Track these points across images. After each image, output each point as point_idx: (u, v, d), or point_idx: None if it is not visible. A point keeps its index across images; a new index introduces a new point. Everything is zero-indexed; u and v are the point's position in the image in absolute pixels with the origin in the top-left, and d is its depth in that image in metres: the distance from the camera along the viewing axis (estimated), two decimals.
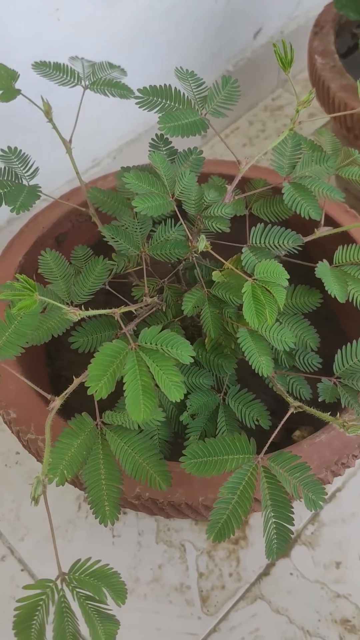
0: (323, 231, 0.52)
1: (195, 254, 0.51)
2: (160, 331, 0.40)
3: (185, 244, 0.50)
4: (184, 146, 0.55)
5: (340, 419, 0.40)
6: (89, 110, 0.61)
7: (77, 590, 0.35)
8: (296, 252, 0.51)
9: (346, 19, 0.90)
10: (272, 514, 0.39)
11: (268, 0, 1.04)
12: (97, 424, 0.44)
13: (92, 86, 0.55)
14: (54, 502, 0.72)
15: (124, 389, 0.38)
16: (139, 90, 0.50)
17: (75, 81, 0.55)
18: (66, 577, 0.35)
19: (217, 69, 1.04)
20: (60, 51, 0.75)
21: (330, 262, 0.50)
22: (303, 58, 0.90)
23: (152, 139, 0.55)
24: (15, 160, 0.53)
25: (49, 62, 0.55)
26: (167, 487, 0.43)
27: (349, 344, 0.49)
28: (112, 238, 0.52)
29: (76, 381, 0.42)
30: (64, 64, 0.55)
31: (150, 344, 0.40)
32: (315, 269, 0.48)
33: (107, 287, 0.54)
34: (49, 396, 0.43)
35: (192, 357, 0.40)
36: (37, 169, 0.53)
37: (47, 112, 0.53)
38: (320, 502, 0.40)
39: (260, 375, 0.47)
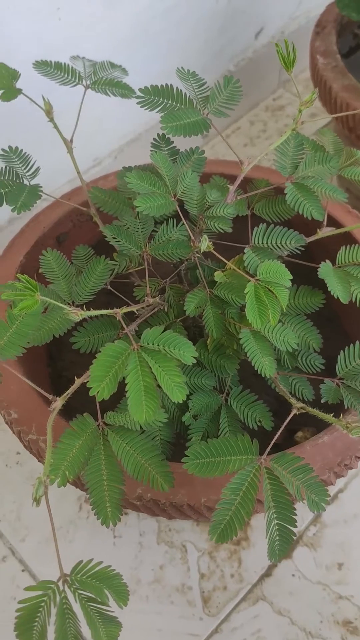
0: (326, 232, 0.51)
1: (197, 254, 0.50)
2: (163, 332, 0.40)
3: (188, 244, 0.50)
4: (184, 146, 0.55)
5: (343, 420, 0.40)
6: (90, 110, 0.61)
7: (79, 591, 0.34)
8: (298, 252, 0.51)
9: (348, 19, 0.90)
10: (275, 516, 0.39)
11: (269, 0, 1.04)
12: (98, 425, 0.44)
13: (94, 85, 0.55)
14: (55, 502, 0.72)
15: (126, 389, 0.38)
16: (140, 90, 0.50)
17: (77, 80, 0.55)
18: (68, 578, 0.35)
19: (218, 69, 1.04)
20: (61, 51, 0.75)
21: (333, 262, 0.50)
22: (304, 58, 0.90)
23: (154, 139, 0.55)
24: (16, 159, 0.53)
25: (50, 62, 0.54)
26: (169, 488, 0.43)
27: (351, 345, 0.49)
28: (114, 238, 0.51)
29: (78, 381, 0.42)
30: (65, 64, 0.55)
31: (153, 344, 0.39)
32: (318, 269, 0.48)
33: (109, 287, 0.54)
34: (50, 397, 0.43)
35: (194, 357, 0.40)
36: (38, 169, 0.53)
37: (49, 112, 0.52)
38: (323, 504, 0.40)
39: (263, 376, 0.47)
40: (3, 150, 0.52)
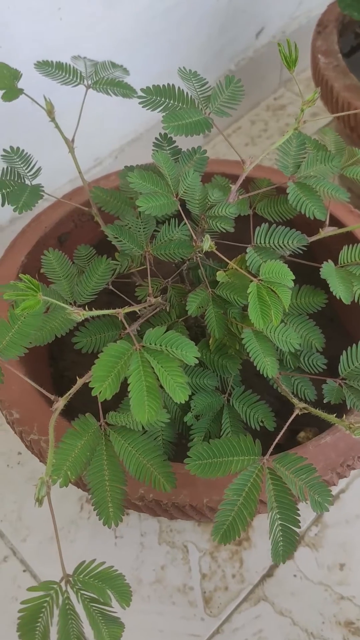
0: (328, 231, 0.51)
1: (199, 254, 0.50)
2: (165, 332, 0.40)
3: (190, 243, 0.50)
4: (185, 146, 0.55)
5: (346, 421, 0.40)
6: (91, 110, 0.61)
7: (82, 592, 0.34)
8: (300, 252, 0.51)
9: (349, 18, 0.90)
10: (278, 516, 0.39)
11: (270, 0, 1.04)
12: (100, 425, 0.44)
13: (95, 85, 0.55)
14: (56, 503, 0.72)
15: (128, 390, 0.38)
16: (142, 89, 0.50)
17: (78, 80, 0.55)
18: (70, 579, 0.35)
19: (219, 69, 1.04)
20: (62, 51, 0.75)
21: (335, 262, 0.50)
22: (304, 58, 0.90)
23: (156, 138, 0.54)
24: (17, 160, 0.53)
25: (52, 62, 0.54)
26: (171, 489, 0.42)
27: (354, 345, 0.49)
28: (116, 238, 0.51)
29: (80, 381, 0.42)
30: (66, 64, 0.55)
31: (155, 344, 0.39)
32: (320, 269, 0.48)
33: (110, 287, 0.54)
34: (52, 397, 0.43)
35: (196, 357, 0.40)
36: (39, 169, 0.53)
37: (50, 112, 0.52)
38: (327, 504, 0.40)
39: (265, 376, 0.46)
40: (5, 150, 0.52)
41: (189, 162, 0.53)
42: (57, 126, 0.53)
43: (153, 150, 0.53)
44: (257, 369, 0.46)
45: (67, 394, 0.42)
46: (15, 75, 0.53)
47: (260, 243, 0.50)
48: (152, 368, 0.38)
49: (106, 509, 0.41)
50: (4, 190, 0.50)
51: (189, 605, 0.66)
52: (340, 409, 0.48)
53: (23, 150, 0.53)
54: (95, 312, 0.41)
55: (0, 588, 0.68)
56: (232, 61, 1.05)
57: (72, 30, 0.77)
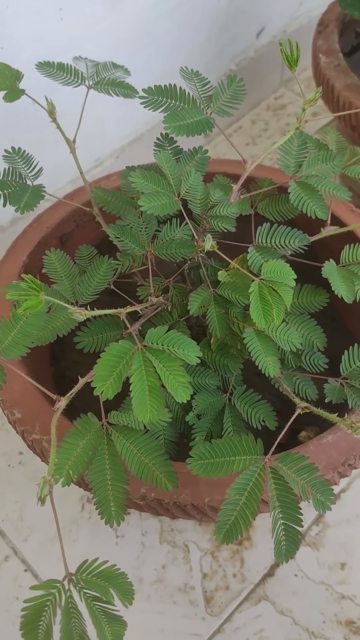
0: (329, 230, 0.51)
1: (201, 254, 0.50)
2: (167, 331, 0.40)
3: (191, 243, 0.50)
4: (186, 146, 0.55)
5: (347, 420, 0.40)
6: (92, 110, 0.61)
7: (85, 590, 0.34)
8: (302, 251, 0.51)
9: (350, 17, 0.90)
10: (281, 515, 0.39)
11: (270, 0, 1.04)
12: (102, 424, 0.44)
13: (96, 86, 0.55)
14: (58, 502, 0.72)
15: (130, 389, 0.38)
16: (143, 90, 0.50)
17: (79, 81, 0.55)
18: (73, 577, 0.35)
19: (220, 68, 1.04)
20: (63, 51, 0.75)
21: (337, 261, 0.50)
22: (305, 58, 0.90)
23: (158, 138, 0.54)
24: (19, 160, 0.53)
25: (53, 62, 0.54)
26: (173, 488, 0.42)
27: (356, 344, 0.49)
28: (117, 237, 0.51)
29: (82, 381, 0.42)
30: (67, 64, 0.55)
31: (157, 344, 0.39)
32: (322, 268, 0.48)
33: (112, 286, 0.54)
34: (54, 396, 0.43)
35: (198, 357, 0.40)
36: (41, 169, 0.53)
37: (51, 112, 0.52)
38: (329, 503, 0.40)
39: (267, 375, 0.47)
40: (6, 151, 0.52)
41: (190, 162, 0.53)
42: (58, 127, 0.53)
43: (155, 150, 0.54)
44: (259, 368, 0.46)
45: (69, 394, 0.42)
46: (17, 76, 0.53)
47: (261, 242, 0.50)
48: (154, 367, 0.38)
49: (108, 508, 0.41)
50: (5, 191, 0.50)
51: (190, 604, 0.66)
52: (341, 409, 0.48)
53: (24, 151, 0.53)
54: (97, 312, 0.41)
55: (2, 587, 0.68)
56: (232, 61, 1.05)
57: (73, 30, 0.77)
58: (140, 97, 0.50)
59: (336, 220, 0.62)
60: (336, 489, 0.72)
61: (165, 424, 0.48)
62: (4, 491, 0.74)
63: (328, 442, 0.49)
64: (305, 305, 0.54)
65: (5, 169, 0.52)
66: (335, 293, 0.48)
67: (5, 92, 0.51)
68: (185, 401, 0.38)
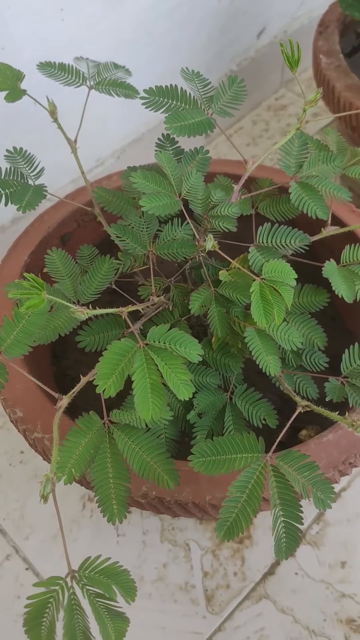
0: (330, 231, 0.52)
1: (202, 253, 0.51)
2: (169, 330, 0.40)
3: (192, 243, 0.50)
4: (187, 146, 0.56)
5: (348, 418, 0.40)
6: (93, 111, 0.61)
7: (87, 587, 0.35)
8: (302, 251, 0.51)
9: (351, 18, 0.90)
10: (281, 513, 0.39)
11: (271, 0, 1.04)
12: (104, 423, 0.44)
13: (97, 86, 0.55)
14: (59, 501, 0.72)
15: (132, 387, 0.38)
16: (145, 90, 0.50)
17: (80, 81, 0.55)
18: (76, 574, 0.35)
19: (220, 69, 1.04)
20: (64, 51, 0.75)
21: (337, 261, 0.50)
22: (306, 58, 0.90)
23: (159, 139, 0.55)
24: (20, 160, 0.53)
25: (54, 63, 0.55)
26: (174, 486, 0.43)
27: (356, 343, 0.49)
28: (119, 237, 0.52)
29: (84, 380, 0.43)
30: (69, 65, 0.55)
31: (159, 342, 0.40)
32: (322, 268, 0.48)
33: (114, 286, 0.55)
34: (56, 395, 0.43)
35: (199, 355, 0.40)
36: (42, 169, 0.53)
37: (53, 112, 0.53)
38: (329, 501, 0.40)
39: (267, 374, 0.47)
40: (8, 151, 0.53)
41: (191, 162, 0.54)
42: (59, 127, 0.53)
43: (156, 150, 0.54)
44: (260, 367, 0.46)
45: (71, 392, 0.42)
46: (18, 76, 0.53)
47: (262, 242, 0.50)
48: (156, 365, 0.39)
49: (110, 506, 0.42)
50: (7, 190, 0.51)
51: (190, 603, 0.66)
52: (342, 407, 0.48)
53: (26, 151, 0.53)
54: (99, 311, 0.41)
55: (3, 586, 0.68)
56: (233, 61, 1.06)
57: (74, 30, 0.77)
58: (142, 98, 0.50)
59: (337, 221, 0.63)
60: (337, 487, 0.72)
61: (166, 423, 0.48)
62: (5, 490, 0.74)
63: (329, 440, 0.49)
64: (306, 304, 0.54)
65: (6, 168, 0.52)
66: (336, 293, 0.48)
67: (7, 92, 0.51)
68: (187, 398, 0.38)
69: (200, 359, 0.40)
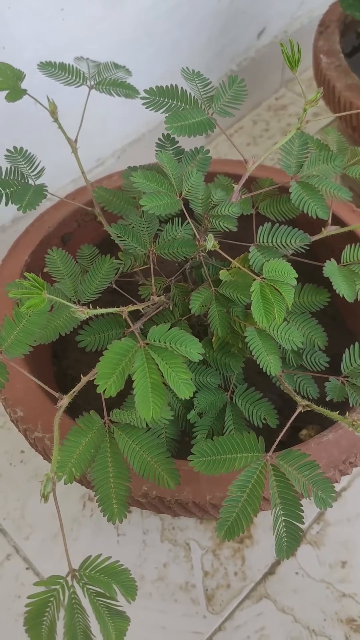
0: (330, 230, 0.52)
1: (202, 253, 0.51)
2: (169, 329, 0.40)
3: (193, 242, 0.50)
4: (187, 146, 0.56)
5: (348, 418, 0.40)
6: (93, 110, 0.61)
7: (88, 586, 0.35)
8: (303, 251, 0.51)
9: (351, 18, 0.90)
10: (282, 512, 0.39)
11: (271, 0, 1.04)
12: (105, 422, 0.44)
13: (98, 86, 0.55)
14: (59, 501, 0.72)
15: (133, 387, 0.38)
16: (145, 90, 0.50)
17: (81, 81, 0.55)
18: (76, 573, 0.35)
19: (221, 69, 1.04)
20: (64, 51, 0.75)
21: (338, 261, 0.50)
22: (306, 58, 0.90)
23: (159, 139, 0.55)
24: (21, 160, 0.53)
25: (55, 63, 0.55)
26: (175, 486, 0.43)
27: (356, 343, 0.49)
28: (119, 237, 0.52)
29: (84, 379, 0.43)
30: (69, 64, 0.55)
31: (159, 341, 0.40)
32: (323, 268, 0.48)
33: (114, 285, 0.55)
34: (57, 394, 0.43)
35: (200, 355, 0.40)
36: (43, 169, 0.53)
37: (53, 112, 0.53)
38: (330, 500, 0.40)
39: (268, 374, 0.47)
40: (8, 150, 0.53)
41: (192, 162, 0.54)
42: (60, 126, 0.53)
43: (156, 150, 0.54)
44: (260, 367, 0.47)
45: (71, 391, 0.42)
46: (19, 75, 0.53)
47: (263, 242, 0.50)
48: (157, 365, 0.39)
49: (110, 505, 0.42)
50: (7, 190, 0.51)
51: (191, 602, 0.66)
52: (342, 407, 0.48)
53: (26, 150, 0.53)
54: (100, 311, 0.41)
55: (4, 586, 0.68)
56: (233, 61, 1.06)
57: (74, 30, 0.77)
58: (142, 98, 0.50)
59: (337, 220, 0.63)
60: (337, 487, 0.72)
61: (167, 422, 0.48)
62: (5, 489, 0.74)
63: (329, 440, 0.50)
64: (306, 304, 0.54)
65: (7, 168, 0.52)
66: (337, 292, 0.48)
67: (7, 91, 0.51)
68: (187, 398, 0.38)
69: (201, 359, 0.40)
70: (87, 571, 0.35)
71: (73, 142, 0.54)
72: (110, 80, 0.56)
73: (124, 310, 0.43)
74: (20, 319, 0.43)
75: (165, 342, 0.39)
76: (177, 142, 0.55)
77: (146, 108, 0.50)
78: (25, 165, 0.53)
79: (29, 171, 0.53)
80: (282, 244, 0.50)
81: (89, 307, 0.41)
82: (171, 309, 0.53)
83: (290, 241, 0.50)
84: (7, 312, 0.52)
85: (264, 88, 1.16)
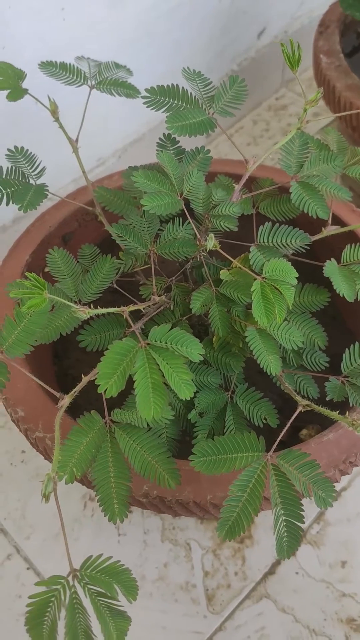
0: (330, 230, 0.52)
1: (203, 253, 0.51)
2: (170, 329, 0.40)
3: (194, 242, 0.51)
4: (187, 146, 0.56)
5: (349, 418, 0.40)
6: (94, 110, 0.61)
7: (89, 586, 0.35)
8: (303, 251, 0.51)
9: (351, 18, 0.90)
10: (282, 512, 0.39)
11: (271, 0, 1.04)
12: (106, 422, 0.44)
13: (99, 86, 0.55)
14: (60, 500, 0.72)
15: (134, 387, 0.38)
16: (146, 90, 0.50)
17: (82, 81, 0.55)
18: (77, 573, 0.35)
19: (221, 69, 1.04)
20: (65, 51, 0.75)
21: (338, 261, 0.50)
22: (306, 58, 0.90)
23: (160, 139, 0.55)
24: (22, 159, 0.53)
25: (55, 62, 0.55)
26: (175, 485, 0.43)
27: (356, 343, 0.49)
28: (120, 237, 0.52)
29: (85, 379, 0.43)
30: (70, 64, 0.55)
31: (160, 342, 0.40)
32: (323, 267, 0.48)
33: (115, 285, 0.55)
34: (58, 394, 0.43)
35: (200, 355, 0.40)
36: (43, 168, 0.53)
37: (54, 112, 0.53)
38: (330, 500, 0.40)
39: (268, 374, 0.47)
40: (9, 150, 0.53)
41: (192, 162, 0.54)
42: (61, 126, 0.53)
43: (157, 150, 0.54)
44: (261, 366, 0.47)
45: (72, 391, 0.42)
46: (20, 75, 0.53)
47: (263, 242, 0.50)
48: (158, 365, 0.39)
49: (111, 505, 0.42)
50: (8, 190, 0.51)
51: (191, 602, 0.66)
52: (342, 407, 0.48)
53: (27, 150, 0.53)
54: (101, 310, 0.41)
55: (4, 586, 0.68)
56: (234, 61, 1.06)
57: (75, 30, 0.77)
58: (143, 97, 0.50)
59: (337, 220, 0.63)
60: (337, 487, 0.72)
61: (168, 422, 0.48)
62: (6, 489, 0.74)
63: (329, 439, 0.50)
64: (307, 304, 0.54)
65: (8, 167, 0.52)
66: (337, 292, 0.48)
67: (8, 91, 0.51)
68: (188, 398, 0.38)
69: (202, 359, 0.40)
70: (88, 571, 0.35)
71: (74, 141, 0.54)
72: (111, 79, 0.56)
73: (125, 310, 0.43)
74: (21, 318, 0.43)
75: (166, 342, 0.39)
76: (178, 141, 0.55)
77: (147, 107, 0.50)
78: (26, 165, 0.53)
79: (30, 171, 0.53)
80: (282, 244, 0.50)
81: (89, 307, 0.41)
82: (172, 308, 0.53)
83: (291, 241, 0.50)
84: (8, 312, 0.52)
85: (264, 88, 1.16)
